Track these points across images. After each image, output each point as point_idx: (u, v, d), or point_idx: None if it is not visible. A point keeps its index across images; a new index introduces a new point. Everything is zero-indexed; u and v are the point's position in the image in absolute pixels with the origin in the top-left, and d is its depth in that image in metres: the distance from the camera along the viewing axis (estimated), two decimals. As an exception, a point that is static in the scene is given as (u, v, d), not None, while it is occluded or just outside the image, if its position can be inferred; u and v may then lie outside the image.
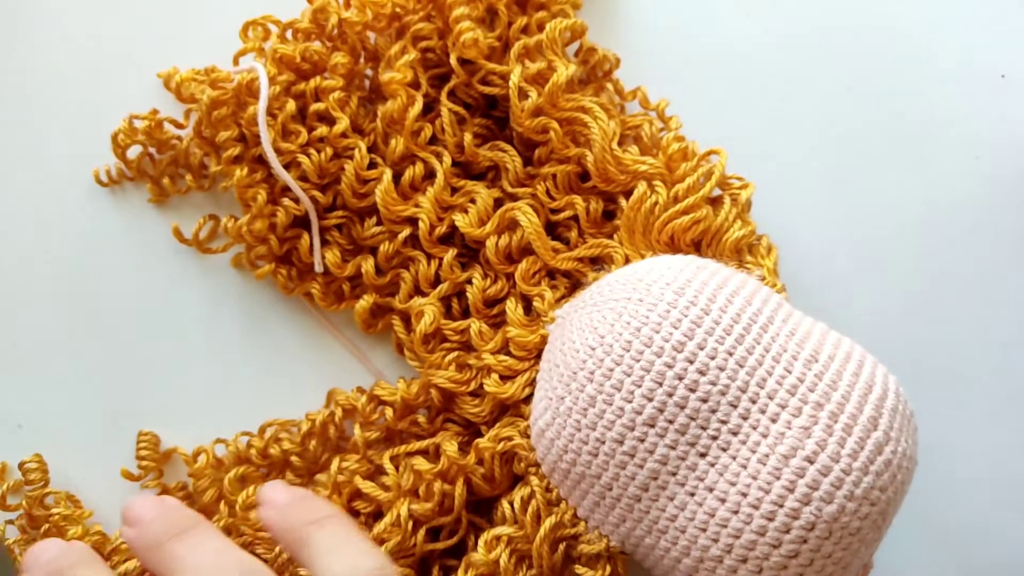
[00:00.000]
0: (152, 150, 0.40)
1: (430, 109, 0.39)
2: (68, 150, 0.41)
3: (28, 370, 0.40)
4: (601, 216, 0.38)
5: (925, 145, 0.44)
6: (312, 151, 0.38)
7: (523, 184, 0.38)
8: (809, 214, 0.43)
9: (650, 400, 0.30)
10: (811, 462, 0.29)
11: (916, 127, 0.44)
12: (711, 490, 0.30)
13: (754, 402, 0.30)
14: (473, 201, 0.38)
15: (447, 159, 0.38)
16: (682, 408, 0.30)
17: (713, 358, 0.30)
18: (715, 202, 0.37)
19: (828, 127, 0.43)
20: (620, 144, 0.38)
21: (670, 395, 0.30)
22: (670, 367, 0.30)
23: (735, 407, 0.30)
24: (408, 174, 0.38)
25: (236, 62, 0.40)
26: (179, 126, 0.40)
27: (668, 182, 0.37)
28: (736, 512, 0.30)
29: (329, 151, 0.38)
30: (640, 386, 0.30)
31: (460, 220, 0.37)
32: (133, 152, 0.40)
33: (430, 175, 0.38)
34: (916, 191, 0.43)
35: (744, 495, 0.30)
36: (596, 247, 0.37)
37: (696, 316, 0.31)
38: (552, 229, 0.39)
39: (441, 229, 0.38)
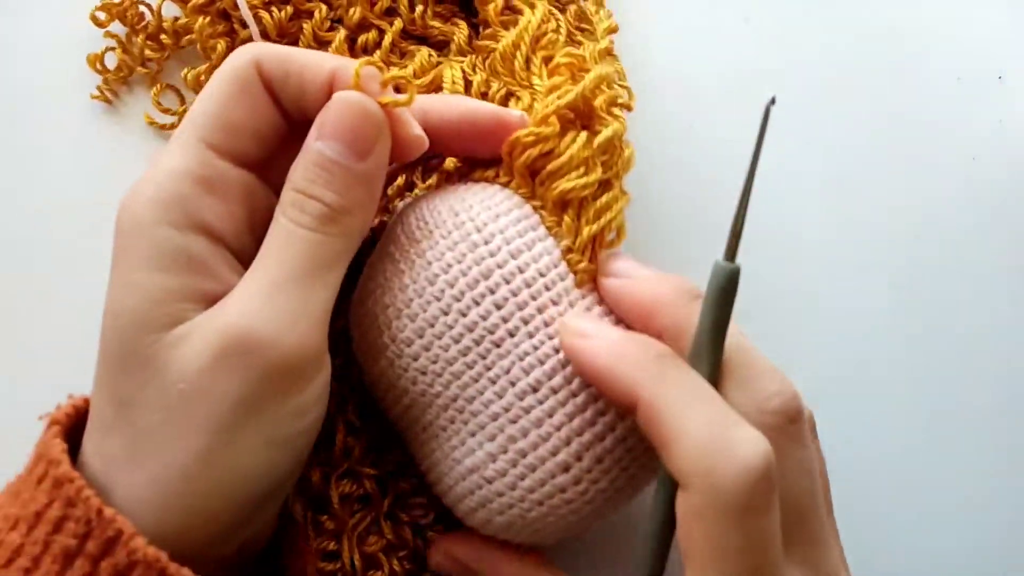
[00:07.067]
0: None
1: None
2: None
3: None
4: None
5: (923, 146, 0.44)
6: (274, 8, 0.39)
7: (465, 55, 0.39)
8: (807, 214, 0.43)
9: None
10: None
11: (914, 129, 0.44)
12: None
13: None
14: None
15: (397, 25, 0.39)
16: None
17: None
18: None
19: (827, 128, 0.44)
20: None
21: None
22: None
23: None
24: (362, 39, 0.39)
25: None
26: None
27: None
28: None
29: (290, 10, 0.39)
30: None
31: (395, 71, 0.37)
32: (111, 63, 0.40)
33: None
34: (914, 192, 0.43)
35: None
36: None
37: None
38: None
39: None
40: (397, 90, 0.30)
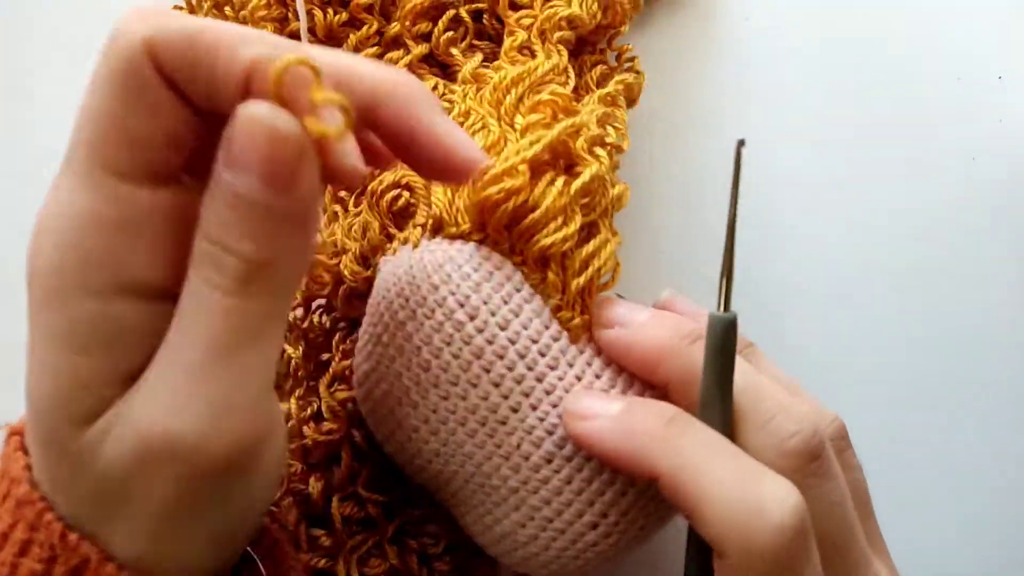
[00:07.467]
0: None
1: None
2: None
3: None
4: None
5: (922, 147, 0.44)
6: (330, 10, 0.39)
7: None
8: (807, 215, 0.43)
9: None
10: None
11: (914, 129, 0.44)
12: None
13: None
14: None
15: (422, 49, 0.39)
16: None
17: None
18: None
19: (827, 129, 0.44)
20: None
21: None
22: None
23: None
24: (387, 57, 0.39)
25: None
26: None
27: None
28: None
29: (345, 16, 0.39)
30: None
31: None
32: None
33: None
34: (914, 192, 0.43)
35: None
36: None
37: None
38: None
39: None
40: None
